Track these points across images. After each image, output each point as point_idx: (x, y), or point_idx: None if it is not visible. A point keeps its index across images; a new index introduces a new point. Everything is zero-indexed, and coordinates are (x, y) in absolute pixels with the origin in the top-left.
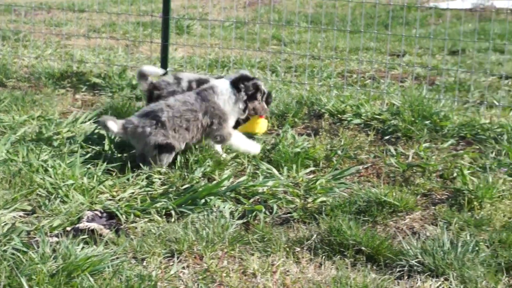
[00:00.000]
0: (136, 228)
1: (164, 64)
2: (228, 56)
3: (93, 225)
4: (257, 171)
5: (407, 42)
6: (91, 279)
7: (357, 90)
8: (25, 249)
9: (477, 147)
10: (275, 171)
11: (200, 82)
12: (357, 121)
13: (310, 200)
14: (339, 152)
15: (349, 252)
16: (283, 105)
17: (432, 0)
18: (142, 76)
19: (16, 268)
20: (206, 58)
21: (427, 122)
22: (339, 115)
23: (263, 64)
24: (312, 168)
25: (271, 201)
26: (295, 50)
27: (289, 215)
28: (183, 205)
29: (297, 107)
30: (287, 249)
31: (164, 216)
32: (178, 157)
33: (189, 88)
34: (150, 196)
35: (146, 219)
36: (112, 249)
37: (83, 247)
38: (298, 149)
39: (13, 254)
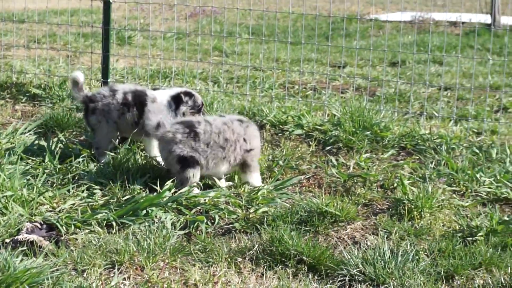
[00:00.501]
0: (76, 239)
1: (105, 74)
2: (170, 67)
3: (33, 237)
4: (200, 182)
5: (347, 53)
6: None
7: (298, 101)
8: None
9: (417, 157)
10: (217, 181)
11: (136, 94)
12: (299, 131)
13: (252, 210)
14: (280, 162)
15: (291, 262)
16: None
17: (373, 12)
18: (75, 83)
19: None
20: (148, 69)
21: (367, 132)
22: (280, 126)
23: (205, 75)
24: None
25: (213, 211)
26: (237, 61)
27: (231, 225)
28: (124, 216)
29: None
30: (229, 259)
31: (105, 227)
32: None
33: (124, 100)
34: (91, 207)
35: (87, 231)
36: (52, 260)
37: (22, 259)
38: None
39: None
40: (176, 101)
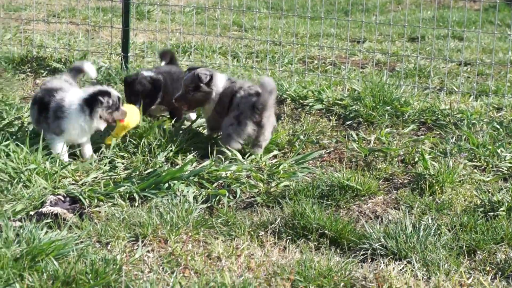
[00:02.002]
0: (99, 212)
1: (125, 49)
2: (189, 41)
3: (57, 210)
4: (220, 156)
5: (367, 28)
6: (55, 263)
7: (318, 75)
8: None
9: (438, 132)
10: (238, 155)
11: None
12: (319, 106)
13: (273, 184)
14: (301, 137)
15: (313, 236)
16: None
17: None
18: (77, 71)
19: None
20: (167, 44)
21: (388, 107)
22: (301, 101)
23: (224, 50)
24: (275, 153)
25: (235, 185)
26: (256, 36)
27: (252, 199)
28: (146, 190)
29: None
30: (251, 233)
31: (128, 201)
32: (142, 142)
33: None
34: (113, 180)
35: (110, 204)
36: (76, 233)
37: (46, 232)
38: None
39: None
40: (90, 104)
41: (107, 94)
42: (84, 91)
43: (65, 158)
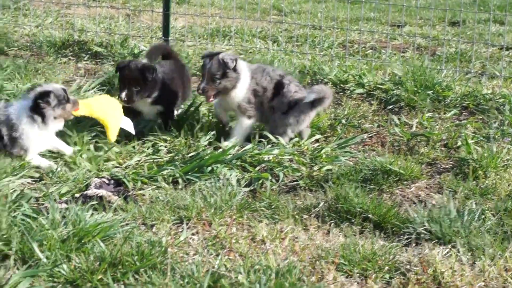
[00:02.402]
0: (143, 195)
1: (166, 33)
2: (229, 25)
3: (102, 192)
4: (263, 140)
5: (407, 12)
6: (102, 244)
7: (359, 60)
8: (35, 215)
9: (480, 117)
10: (280, 139)
11: None
12: (360, 90)
13: (316, 168)
14: (343, 121)
15: (356, 220)
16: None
17: None
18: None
19: (27, 233)
20: (207, 28)
21: (429, 92)
22: (342, 85)
23: (264, 34)
24: (317, 137)
25: (277, 169)
26: (296, 20)
27: (295, 183)
28: (189, 173)
29: (300, 77)
30: (295, 216)
31: (171, 184)
32: (184, 125)
33: None
34: (157, 163)
35: (154, 186)
36: (121, 215)
37: (92, 214)
38: None
39: (23, 220)
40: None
41: (48, 93)
42: (24, 98)
43: (44, 162)
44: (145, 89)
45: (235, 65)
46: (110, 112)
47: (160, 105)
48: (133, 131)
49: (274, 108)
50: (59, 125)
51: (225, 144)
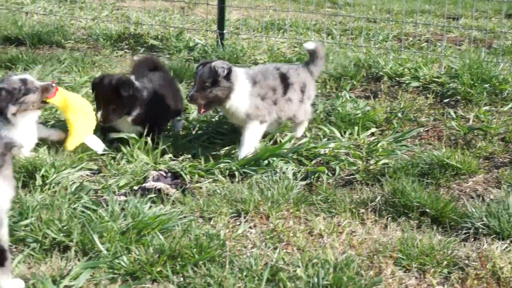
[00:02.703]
0: (201, 188)
1: (221, 26)
2: (283, 18)
3: (160, 185)
4: (319, 133)
5: (463, 5)
6: (161, 236)
7: (414, 53)
8: (94, 207)
9: None
10: (336, 132)
11: None
12: (416, 84)
13: (372, 162)
14: (399, 114)
15: (414, 214)
16: (341, 67)
17: None
18: None
19: (87, 225)
20: (261, 21)
21: (486, 85)
22: (397, 78)
23: (319, 27)
24: (373, 130)
25: (333, 162)
26: (350, 12)
27: (351, 176)
28: (246, 166)
29: (355, 70)
30: (352, 210)
31: (228, 177)
32: None
33: None
34: (213, 157)
35: (210, 179)
36: (179, 208)
37: (150, 206)
38: (358, 112)
39: (82, 212)
40: None
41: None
42: None
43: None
44: (122, 107)
45: (228, 74)
46: (82, 120)
47: (143, 123)
48: (99, 150)
49: (291, 99)
50: (31, 116)
51: (237, 154)
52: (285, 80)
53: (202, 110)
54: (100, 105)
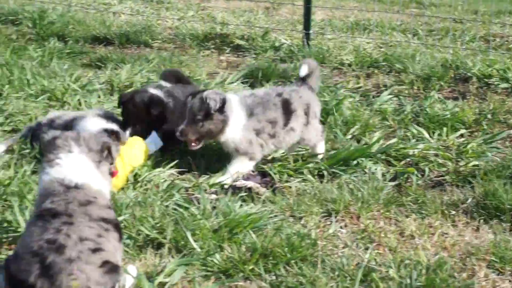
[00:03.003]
0: (290, 187)
1: (307, 26)
2: (368, 19)
3: (250, 183)
4: (407, 134)
5: None
6: (253, 235)
7: (502, 54)
8: (186, 205)
9: None
10: (425, 133)
11: None
12: (505, 85)
13: (462, 163)
14: (488, 116)
15: (506, 217)
16: (428, 68)
17: None
18: None
19: (180, 223)
20: (346, 21)
21: None
22: (485, 79)
23: (404, 27)
24: (462, 132)
25: (423, 164)
26: (436, 13)
27: (441, 178)
28: (334, 166)
29: (442, 71)
30: (443, 211)
31: (316, 176)
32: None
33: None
34: (301, 156)
35: (299, 179)
36: (269, 207)
37: (241, 205)
38: (447, 112)
39: (175, 209)
40: None
41: None
42: None
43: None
44: (152, 125)
45: (221, 106)
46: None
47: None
48: (153, 149)
49: (294, 128)
50: None
51: (217, 179)
52: (287, 108)
53: (193, 144)
54: (129, 123)
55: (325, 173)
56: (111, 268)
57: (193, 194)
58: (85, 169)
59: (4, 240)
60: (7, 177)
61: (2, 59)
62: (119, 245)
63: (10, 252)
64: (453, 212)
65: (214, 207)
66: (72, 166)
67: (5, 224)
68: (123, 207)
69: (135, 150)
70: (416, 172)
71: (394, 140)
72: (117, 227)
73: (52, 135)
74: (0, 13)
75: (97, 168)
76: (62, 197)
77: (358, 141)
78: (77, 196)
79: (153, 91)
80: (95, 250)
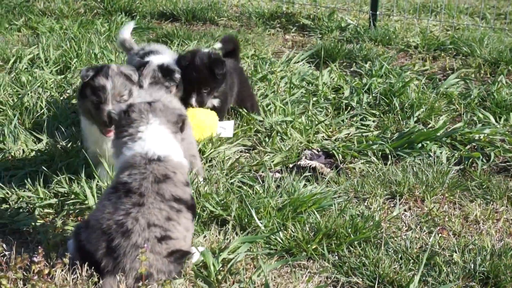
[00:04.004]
0: (354, 168)
1: (374, 6)
2: (436, 1)
3: (315, 163)
4: (474, 118)
5: None
6: (317, 215)
7: None
8: (251, 183)
9: None
10: (491, 118)
11: None
12: None
13: None
14: None
15: None
16: (496, 52)
17: None
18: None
19: (244, 200)
20: (413, 3)
21: None
22: None
23: (472, 10)
24: None
25: (488, 148)
26: None
27: (507, 163)
28: (399, 149)
29: (510, 55)
30: (509, 197)
31: (380, 158)
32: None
33: None
34: (366, 138)
35: (363, 160)
36: (333, 187)
37: (305, 184)
38: None
39: (239, 187)
40: None
41: None
42: None
43: None
44: (215, 87)
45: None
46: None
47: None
48: (230, 134)
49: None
50: None
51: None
52: None
53: None
54: (194, 90)
55: (390, 155)
56: (177, 257)
57: (257, 172)
58: (166, 140)
59: (71, 211)
60: (74, 150)
61: (70, 33)
62: (191, 225)
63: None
64: None
65: (278, 186)
66: (154, 138)
67: (72, 196)
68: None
69: (208, 120)
70: (481, 157)
71: (460, 124)
72: (191, 207)
73: (120, 109)
74: None
75: (175, 139)
76: (141, 170)
77: (424, 124)
78: (156, 170)
79: (210, 51)
80: (162, 239)
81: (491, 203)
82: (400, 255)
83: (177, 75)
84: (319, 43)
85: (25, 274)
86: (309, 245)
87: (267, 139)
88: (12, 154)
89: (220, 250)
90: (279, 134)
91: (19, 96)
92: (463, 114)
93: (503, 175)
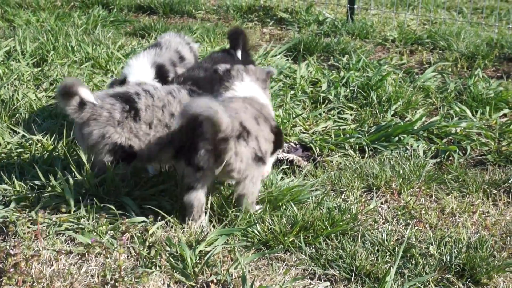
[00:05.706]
0: (331, 161)
1: (351, 1)
2: None
3: (292, 156)
4: (450, 112)
5: None
6: (294, 207)
7: None
8: None
9: None
10: (468, 112)
11: None
12: None
13: (504, 143)
14: None
15: None
16: (473, 46)
17: None
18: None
19: (221, 193)
20: None
21: None
22: None
23: (449, 5)
24: (505, 111)
25: (465, 142)
26: None
27: (483, 157)
28: (376, 142)
29: (487, 50)
30: (485, 190)
31: (357, 151)
32: (371, 95)
33: None
34: (343, 131)
35: (340, 153)
36: (310, 180)
37: (282, 177)
38: (490, 92)
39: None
40: None
41: None
42: None
43: None
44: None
45: None
46: None
47: None
48: None
49: None
50: None
51: None
52: None
53: None
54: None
55: (366, 148)
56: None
57: None
58: (254, 90)
59: (47, 205)
60: (51, 143)
61: (47, 25)
62: None
63: None
64: (494, 192)
65: None
66: (244, 90)
67: (49, 189)
68: (165, 177)
69: None
70: (458, 150)
71: (436, 118)
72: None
73: (225, 67)
74: None
75: (264, 94)
76: None
77: (401, 118)
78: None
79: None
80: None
81: (467, 196)
82: (376, 248)
83: None
84: (296, 37)
85: (1, 266)
86: (286, 238)
87: None
88: None
89: (197, 242)
90: None
91: None
92: (440, 107)
93: (479, 168)
